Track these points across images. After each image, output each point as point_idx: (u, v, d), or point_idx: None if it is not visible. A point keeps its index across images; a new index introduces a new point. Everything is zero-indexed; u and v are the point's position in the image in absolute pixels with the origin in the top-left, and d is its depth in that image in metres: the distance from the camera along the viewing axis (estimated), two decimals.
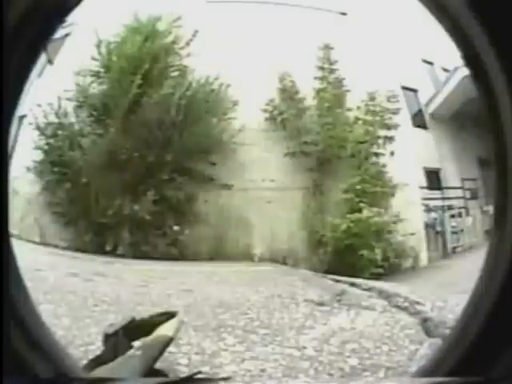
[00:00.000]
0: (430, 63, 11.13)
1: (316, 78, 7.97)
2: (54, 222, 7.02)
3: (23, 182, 6.84)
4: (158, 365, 0.97)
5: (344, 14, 8.84)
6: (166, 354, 1.04)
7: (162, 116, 6.72)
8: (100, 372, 0.85)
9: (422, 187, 9.18)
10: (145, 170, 6.69)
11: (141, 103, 6.73)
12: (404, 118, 8.55)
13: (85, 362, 0.99)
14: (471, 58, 0.52)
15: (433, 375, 0.57)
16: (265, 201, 7.30)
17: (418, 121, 10.43)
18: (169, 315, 1.09)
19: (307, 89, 7.75)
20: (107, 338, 1.03)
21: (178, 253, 6.53)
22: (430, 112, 10.60)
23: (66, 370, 0.60)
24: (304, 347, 1.46)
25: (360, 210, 6.76)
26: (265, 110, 7.72)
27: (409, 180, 7.89)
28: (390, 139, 7.70)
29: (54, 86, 6.96)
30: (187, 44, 7.21)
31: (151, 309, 1.89)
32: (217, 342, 1.49)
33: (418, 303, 2.05)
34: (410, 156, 8.48)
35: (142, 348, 0.94)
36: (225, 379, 1.10)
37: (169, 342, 1.01)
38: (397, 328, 1.70)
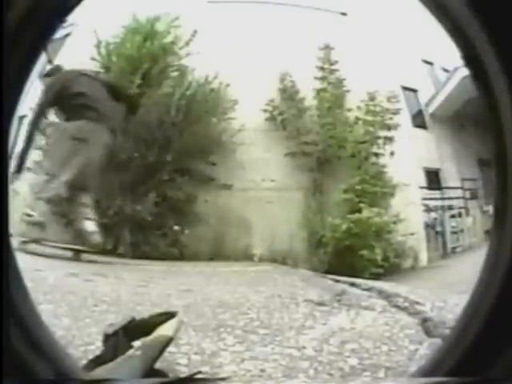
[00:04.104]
0: (430, 63, 11.13)
1: (316, 78, 7.97)
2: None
3: (23, 181, 6.83)
4: (158, 365, 0.97)
5: (344, 14, 8.84)
6: (165, 354, 1.04)
7: (162, 116, 6.72)
8: (100, 372, 0.85)
9: (421, 187, 9.19)
10: (145, 170, 6.69)
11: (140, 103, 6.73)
12: (404, 118, 8.55)
13: (85, 362, 0.99)
14: (471, 58, 0.52)
15: (432, 375, 0.57)
16: (265, 201, 7.30)
17: (418, 121, 10.43)
18: (169, 315, 1.09)
19: (307, 89, 7.75)
20: (107, 337, 1.03)
21: (178, 253, 6.53)
22: (430, 112, 10.60)
23: (65, 370, 0.60)
24: (304, 347, 1.46)
25: (360, 210, 6.76)
26: (265, 110, 7.72)
27: (409, 180, 7.89)
28: (390, 139, 7.70)
29: None
30: (187, 44, 7.21)
31: (151, 309, 1.89)
32: (216, 342, 1.49)
33: (417, 303, 2.05)
34: (410, 156, 8.49)
35: (142, 348, 0.94)
36: (224, 379, 1.10)
37: (169, 341, 1.01)
38: (396, 328, 1.70)
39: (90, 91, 4.78)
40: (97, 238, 4.65)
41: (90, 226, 4.63)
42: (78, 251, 4.57)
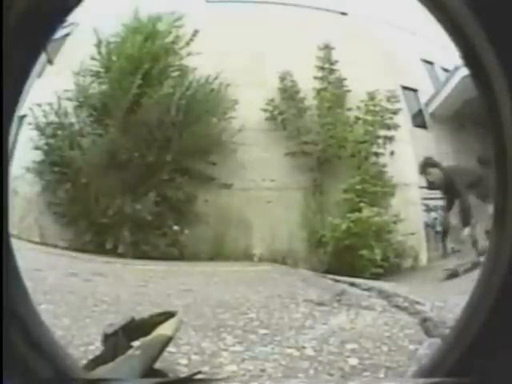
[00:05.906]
0: (430, 63, 11.12)
1: (316, 77, 7.97)
2: (54, 222, 7.02)
3: (23, 181, 6.84)
4: (158, 365, 0.97)
5: (344, 13, 8.84)
6: (165, 354, 1.04)
7: (162, 116, 6.71)
8: (100, 372, 0.85)
9: (421, 187, 9.18)
10: (145, 170, 6.69)
11: (141, 103, 6.73)
12: (404, 118, 8.55)
13: (85, 362, 0.99)
14: (471, 57, 0.52)
15: (432, 375, 0.57)
16: (265, 201, 7.30)
17: (418, 120, 10.42)
18: (168, 315, 1.09)
19: (307, 89, 7.75)
20: (107, 337, 1.03)
21: (178, 253, 6.53)
22: (430, 112, 10.59)
23: (65, 369, 0.60)
24: (303, 347, 1.46)
25: (360, 210, 6.75)
26: (265, 110, 7.72)
27: (409, 180, 7.89)
28: (390, 139, 7.70)
29: (54, 86, 6.96)
30: (187, 44, 7.20)
31: (151, 309, 1.89)
32: (216, 341, 1.49)
33: (417, 303, 2.05)
34: (410, 156, 8.48)
35: (142, 348, 0.94)
36: (224, 379, 1.10)
37: (168, 341, 1.01)
38: (396, 328, 1.71)
39: None
40: None
41: None
42: None
